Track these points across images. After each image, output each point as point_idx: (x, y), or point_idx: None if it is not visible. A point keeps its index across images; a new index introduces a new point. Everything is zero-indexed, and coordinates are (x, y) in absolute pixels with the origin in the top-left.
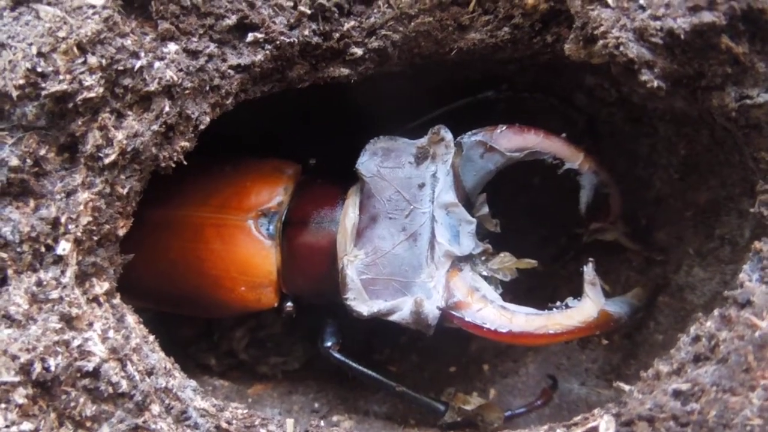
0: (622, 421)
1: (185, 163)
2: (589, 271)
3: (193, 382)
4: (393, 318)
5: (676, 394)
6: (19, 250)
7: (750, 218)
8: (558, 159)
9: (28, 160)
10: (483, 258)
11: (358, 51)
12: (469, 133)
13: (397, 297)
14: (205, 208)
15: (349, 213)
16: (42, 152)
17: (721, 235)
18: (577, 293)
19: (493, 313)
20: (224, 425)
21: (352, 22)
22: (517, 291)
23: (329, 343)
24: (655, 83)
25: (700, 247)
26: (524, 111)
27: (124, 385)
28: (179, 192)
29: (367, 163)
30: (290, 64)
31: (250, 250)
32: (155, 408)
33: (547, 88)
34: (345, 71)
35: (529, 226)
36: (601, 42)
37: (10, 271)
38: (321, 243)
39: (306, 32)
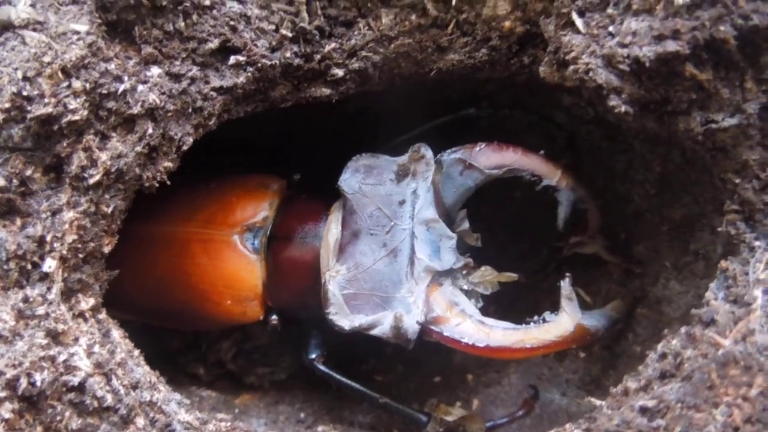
0: None
1: (168, 183)
2: (566, 285)
3: (177, 396)
4: (374, 332)
5: (643, 410)
6: (5, 267)
7: (721, 235)
8: (536, 176)
9: (15, 180)
10: (464, 272)
11: (339, 72)
12: (449, 150)
13: (378, 312)
14: (192, 223)
15: (332, 229)
16: (28, 172)
17: (696, 250)
18: (557, 306)
19: (471, 327)
20: None
21: (333, 44)
22: (499, 303)
23: (314, 355)
24: (623, 108)
25: (676, 261)
26: (505, 128)
27: (109, 399)
28: (166, 208)
29: (349, 180)
30: (272, 85)
31: (235, 264)
32: (140, 421)
33: (527, 106)
34: (326, 91)
35: (511, 239)
36: (572, 67)
37: None
38: (305, 258)
39: (287, 54)
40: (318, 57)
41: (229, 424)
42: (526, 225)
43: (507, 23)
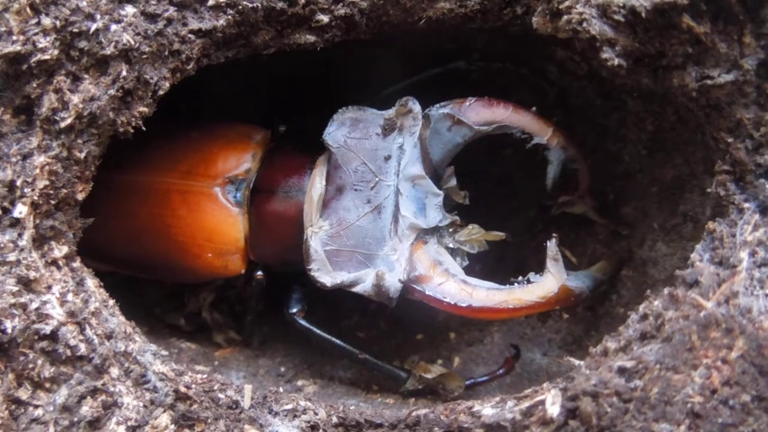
0: (568, 396)
1: (144, 129)
2: (552, 246)
3: (153, 347)
4: (356, 290)
5: (621, 371)
6: None
7: (710, 197)
8: (526, 133)
9: None
10: (450, 230)
11: (324, 18)
12: (437, 105)
13: (360, 269)
14: (172, 174)
15: (316, 183)
16: None
17: (684, 212)
18: (543, 266)
19: (453, 287)
20: (183, 389)
21: None
22: (486, 261)
23: (294, 310)
24: (616, 61)
25: (663, 223)
26: (496, 83)
27: (83, 348)
28: (146, 157)
29: (334, 134)
30: (255, 30)
31: (216, 217)
32: (114, 371)
33: (519, 60)
34: (311, 38)
35: (500, 197)
36: (565, 17)
37: None
38: (288, 212)
39: None
40: (302, 1)
41: (205, 376)
42: (516, 182)
43: None
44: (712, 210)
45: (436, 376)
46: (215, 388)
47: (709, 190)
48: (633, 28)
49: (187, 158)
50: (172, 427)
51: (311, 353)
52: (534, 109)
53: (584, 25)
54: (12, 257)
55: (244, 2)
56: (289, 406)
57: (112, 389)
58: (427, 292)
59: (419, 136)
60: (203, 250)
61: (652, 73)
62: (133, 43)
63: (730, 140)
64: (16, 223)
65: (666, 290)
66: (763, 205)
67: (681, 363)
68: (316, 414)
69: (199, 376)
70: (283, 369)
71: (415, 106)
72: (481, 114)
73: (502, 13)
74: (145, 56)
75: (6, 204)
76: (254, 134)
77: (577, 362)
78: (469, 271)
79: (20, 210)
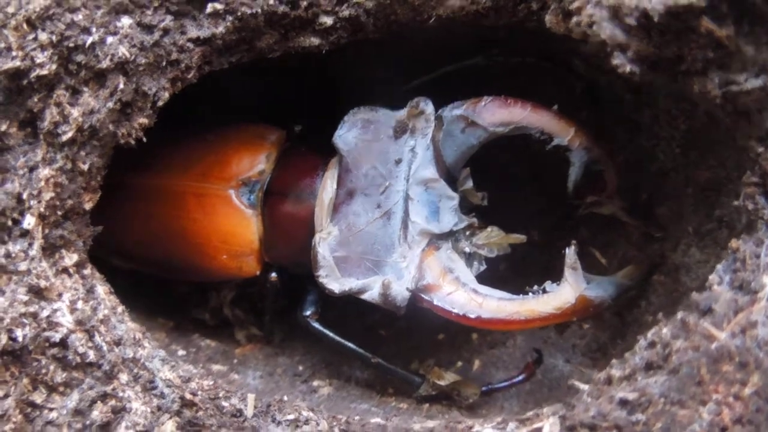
0: (566, 426)
1: (144, 140)
2: (570, 254)
3: (162, 352)
4: (364, 297)
5: (623, 403)
6: None
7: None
8: (546, 134)
9: None
10: (468, 233)
11: (328, 20)
12: (450, 105)
13: (369, 276)
14: (187, 176)
15: (328, 186)
16: (3, 127)
17: (720, 217)
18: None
19: (463, 296)
20: (189, 396)
21: None
22: (511, 260)
23: (308, 312)
24: (628, 68)
25: (698, 227)
26: (519, 77)
27: (92, 355)
28: (164, 160)
29: (344, 136)
30: (258, 34)
31: (230, 219)
32: (123, 377)
33: (543, 53)
34: (315, 41)
35: (528, 194)
36: (575, 18)
37: None
38: (301, 215)
39: (271, 1)
40: (304, 4)
41: (212, 383)
42: (545, 179)
43: None
44: (748, 218)
45: (450, 383)
46: (220, 395)
47: (736, 203)
48: (647, 32)
49: (202, 161)
50: None
51: (330, 352)
52: (555, 107)
53: (594, 27)
54: (23, 267)
55: (243, 8)
56: (292, 416)
57: (121, 394)
58: (435, 302)
59: (432, 138)
60: (218, 252)
61: (672, 78)
62: (128, 55)
63: (760, 150)
64: (26, 233)
65: (679, 315)
66: None
67: (688, 397)
68: (317, 425)
69: (205, 382)
70: (301, 368)
71: (428, 107)
72: (496, 115)
73: (516, 9)
74: (141, 68)
75: (16, 215)
76: (269, 135)
77: (581, 386)
78: (493, 270)
79: (29, 221)
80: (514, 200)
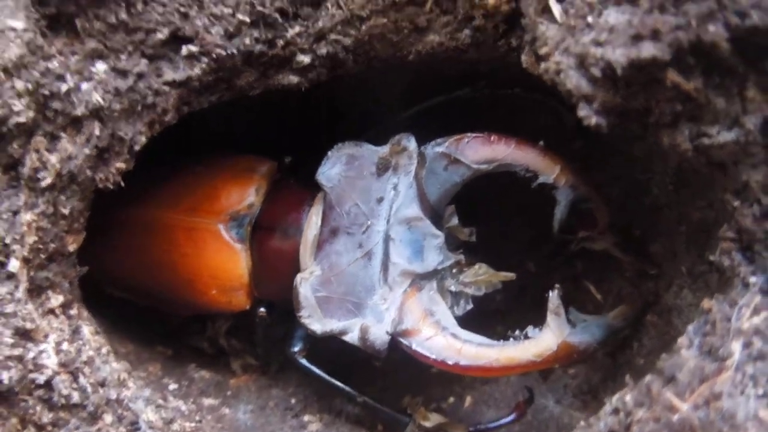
0: None
1: (123, 184)
2: (553, 298)
3: (146, 392)
4: (345, 338)
5: None
6: None
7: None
8: (531, 171)
9: None
10: (454, 271)
11: (305, 59)
12: (433, 143)
13: (350, 318)
14: (177, 210)
15: (312, 223)
16: None
17: (711, 261)
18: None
19: (441, 342)
20: None
21: (298, 28)
22: (508, 290)
23: (296, 348)
24: (593, 120)
25: (692, 268)
26: (511, 107)
27: (76, 397)
28: (156, 193)
29: (328, 172)
30: (236, 73)
31: (219, 254)
32: (108, 418)
33: (532, 85)
34: (294, 79)
35: (519, 227)
36: (543, 65)
37: None
38: (287, 251)
39: (247, 41)
40: (281, 43)
41: (193, 425)
42: (535, 211)
43: (491, 0)
44: (724, 277)
45: (435, 424)
46: None
47: (712, 258)
48: (613, 83)
49: (192, 194)
50: None
51: (323, 385)
52: (542, 143)
53: (562, 76)
54: (9, 309)
55: (218, 50)
56: None
57: None
58: (414, 347)
59: (415, 176)
60: (208, 286)
61: (642, 129)
62: (102, 102)
63: (736, 204)
64: (12, 276)
65: (646, 379)
66: None
67: None
68: None
69: (188, 424)
70: (293, 401)
71: (410, 144)
72: (480, 152)
73: (496, 45)
74: (116, 114)
75: (2, 258)
76: (259, 167)
77: None
78: (489, 301)
79: (13, 264)
80: (507, 232)
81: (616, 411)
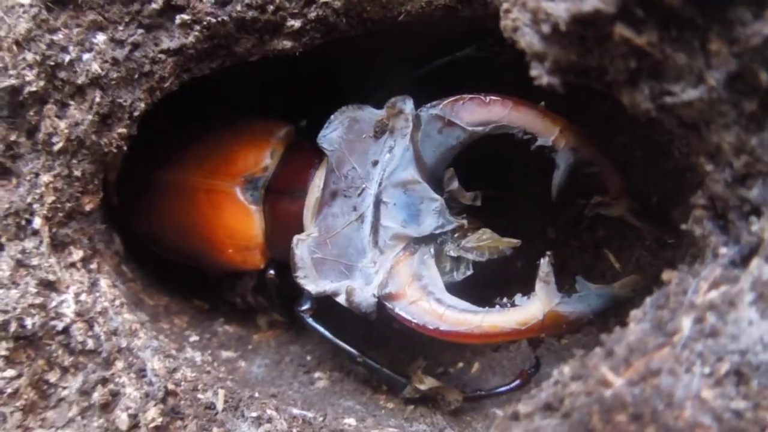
0: None
1: (126, 149)
2: (544, 266)
3: (155, 343)
4: (338, 300)
5: None
6: (5, 222)
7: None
8: (529, 133)
9: (1, 145)
10: (456, 235)
11: (296, 23)
12: (428, 105)
13: (342, 280)
14: (199, 172)
15: (315, 186)
16: (12, 137)
17: (683, 229)
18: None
19: (423, 307)
20: (171, 386)
21: None
22: (528, 258)
23: (304, 307)
24: (545, 80)
25: None
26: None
27: (90, 344)
28: (182, 156)
29: (329, 136)
30: (233, 40)
31: (235, 215)
32: (119, 364)
33: None
34: (288, 44)
35: (544, 192)
36: (502, 22)
37: (3, 239)
38: (295, 213)
39: (239, 8)
40: (271, 8)
41: (194, 374)
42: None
43: None
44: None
45: (430, 388)
46: (198, 387)
47: (684, 226)
48: (567, 40)
49: (212, 157)
50: (160, 420)
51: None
52: (543, 103)
53: (518, 33)
54: (35, 261)
55: (209, 18)
56: (255, 414)
57: (118, 380)
58: (396, 310)
59: (411, 139)
60: (225, 246)
61: (606, 87)
62: (101, 71)
63: (708, 168)
64: (36, 232)
65: (599, 350)
66: (742, 252)
67: None
68: (278, 425)
69: (188, 374)
70: (309, 358)
71: (406, 107)
72: (475, 114)
73: (486, 1)
74: (114, 82)
75: (27, 216)
76: (276, 130)
77: (499, 412)
78: (511, 267)
79: (37, 222)
80: (529, 197)
81: (555, 383)
